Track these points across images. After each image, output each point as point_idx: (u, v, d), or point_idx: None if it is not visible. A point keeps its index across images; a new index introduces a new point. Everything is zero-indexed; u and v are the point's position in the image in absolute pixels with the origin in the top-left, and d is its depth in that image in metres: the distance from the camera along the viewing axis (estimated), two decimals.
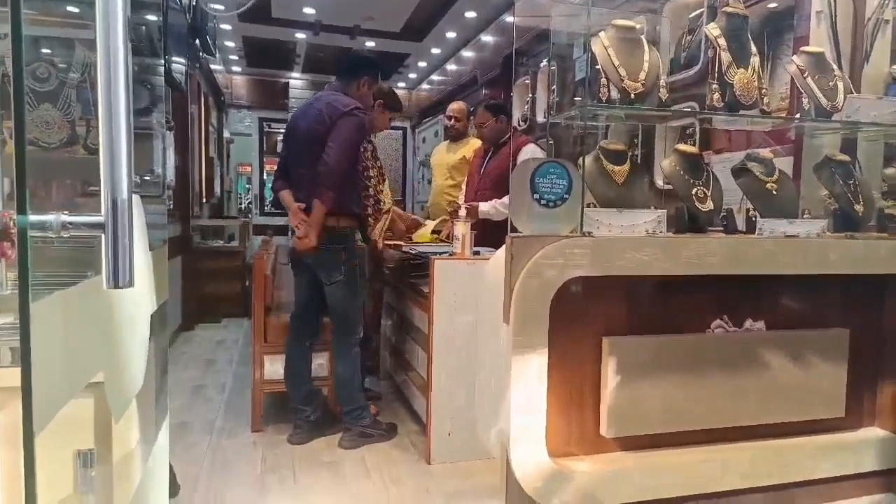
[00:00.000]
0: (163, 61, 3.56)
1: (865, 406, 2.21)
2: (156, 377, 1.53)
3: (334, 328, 2.62)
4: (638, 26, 2.09)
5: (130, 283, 0.68)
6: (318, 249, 2.48)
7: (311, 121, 2.53)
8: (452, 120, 3.71)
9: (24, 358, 0.56)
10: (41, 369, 0.62)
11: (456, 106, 3.79)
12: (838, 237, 2.08)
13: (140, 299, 1.10)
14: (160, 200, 1.57)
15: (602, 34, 2.00)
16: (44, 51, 1.34)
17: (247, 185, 10.49)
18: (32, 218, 0.64)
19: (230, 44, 7.25)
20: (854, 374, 2.12)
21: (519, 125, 5.15)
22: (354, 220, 2.60)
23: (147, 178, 1.83)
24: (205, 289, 5.33)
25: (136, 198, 1.11)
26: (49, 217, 0.65)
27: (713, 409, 1.99)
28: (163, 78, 1.63)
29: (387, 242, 3.23)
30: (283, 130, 9.35)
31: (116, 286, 0.68)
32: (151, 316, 1.28)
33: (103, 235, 0.67)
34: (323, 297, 2.58)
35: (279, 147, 9.92)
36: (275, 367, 2.75)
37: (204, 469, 2.32)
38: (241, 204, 10.50)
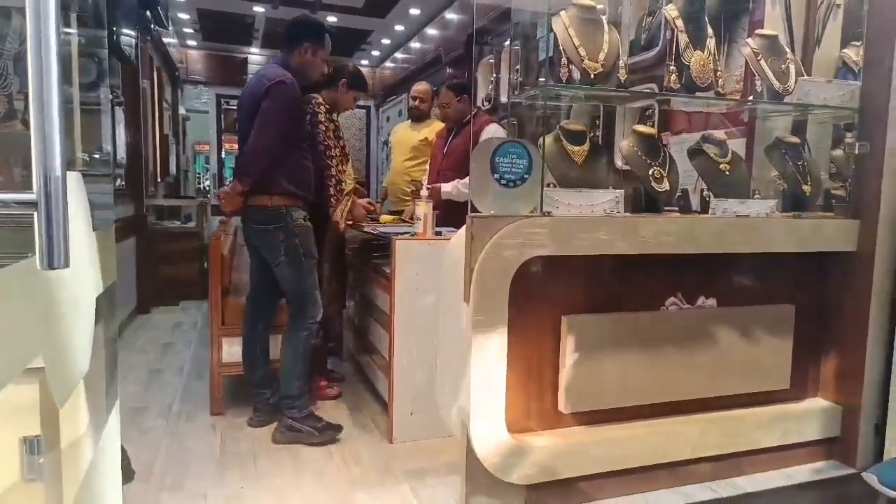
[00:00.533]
0: (109, 33, 3.40)
1: (809, 378, 2.32)
2: (105, 361, 1.48)
3: (288, 310, 2.54)
4: (599, 6, 2.10)
5: (66, 264, 0.65)
6: (253, 228, 2.45)
7: (245, 97, 2.47)
8: (417, 101, 3.67)
9: None
10: None
11: (421, 87, 3.75)
12: (786, 217, 2.15)
13: (83, 281, 1.06)
14: (107, 179, 1.51)
15: (563, 13, 1.99)
16: None
17: (205, 165, 10.19)
18: None
19: (184, 16, 6.96)
20: (799, 348, 2.22)
21: (483, 105, 5.13)
22: (292, 199, 2.45)
23: (96, 155, 1.75)
24: (161, 271, 5.18)
25: (76, 175, 1.06)
26: None
27: (667, 383, 2.05)
28: (107, 50, 1.55)
29: (348, 223, 3.19)
30: None
31: (51, 267, 0.64)
32: (98, 298, 1.23)
33: (36, 214, 0.64)
34: (276, 278, 2.51)
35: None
36: (233, 350, 2.71)
37: (161, 454, 2.28)
38: (199, 183, 10.20)
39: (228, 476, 2.12)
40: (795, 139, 2.27)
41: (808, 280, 2.27)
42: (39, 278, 0.79)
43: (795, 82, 2.17)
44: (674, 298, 2.08)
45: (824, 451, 2.28)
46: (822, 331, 2.29)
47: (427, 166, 3.55)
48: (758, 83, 2.26)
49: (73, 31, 1.64)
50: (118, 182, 4.16)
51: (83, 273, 1.06)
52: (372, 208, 3.17)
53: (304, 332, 2.48)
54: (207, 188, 9.61)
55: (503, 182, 1.78)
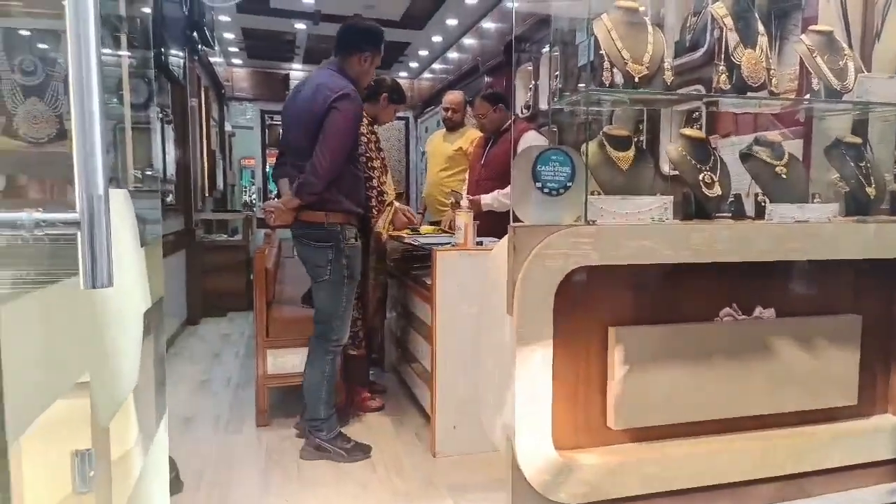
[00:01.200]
0: (158, 54, 3.53)
1: (878, 393, 2.17)
2: (154, 375, 1.50)
3: (314, 328, 2.44)
4: (641, 8, 2.04)
5: (109, 283, 0.65)
6: (304, 243, 2.38)
7: (300, 106, 2.35)
8: (450, 112, 3.65)
9: None
10: (14, 374, 0.59)
11: (452, 97, 3.72)
12: (849, 221, 2.03)
13: (131, 297, 1.07)
14: (155, 195, 1.54)
15: (605, 16, 1.94)
16: (39, 45, 1.31)
17: (251, 179, 10.47)
18: (2, 216, 0.61)
19: (229, 35, 7.20)
20: (866, 361, 2.07)
21: (522, 113, 5.09)
22: (348, 216, 2.38)
23: (148, 172, 1.80)
24: (209, 283, 5.32)
25: (123, 193, 1.08)
26: (21, 215, 0.62)
27: (723, 398, 1.95)
28: (153, 71, 1.59)
29: (389, 234, 3.20)
30: None
31: (94, 286, 0.64)
32: (146, 313, 1.25)
33: (79, 234, 0.64)
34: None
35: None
36: (278, 362, 2.73)
37: (209, 464, 2.31)
38: (246, 196, 10.48)
39: (273, 488, 2.13)
40: (857, 139, 2.14)
41: (875, 288, 2.13)
42: (85, 296, 0.80)
43: (854, 79, 2.05)
44: (728, 309, 1.98)
45: None
46: (892, 342, 2.14)
47: (464, 176, 3.53)
48: (814, 81, 2.15)
49: (123, 53, 1.69)
50: (169, 198, 4.30)
51: (131, 289, 1.08)
52: (412, 218, 3.15)
53: (328, 356, 2.41)
54: (253, 202, 9.87)
55: (546, 190, 1.73)
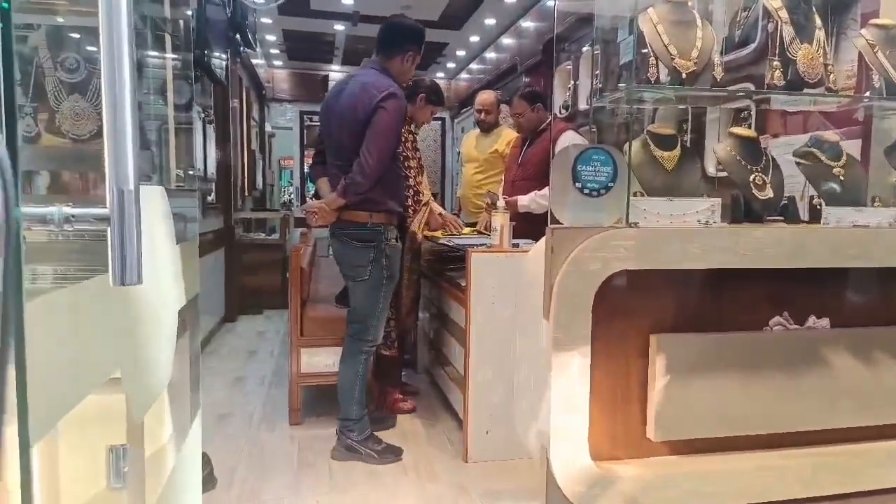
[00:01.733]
0: (201, 55, 3.60)
1: None
2: (189, 372, 1.51)
3: (348, 327, 2.45)
4: (690, 2, 1.96)
5: (138, 280, 0.63)
6: (345, 241, 2.36)
7: (343, 105, 2.32)
8: (482, 113, 3.59)
9: (17, 361, 0.51)
10: (40, 371, 0.58)
11: (484, 97, 3.66)
12: None
13: (165, 295, 1.07)
14: (192, 193, 1.55)
15: (651, 10, 1.87)
16: (82, 44, 1.33)
17: (289, 180, 10.64)
18: (32, 210, 0.60)
19: (271, 37, 7.32)
20: None
21: (560, 112, 5.00)
22: (390, 217, 2.38)
23: (190, 172, 1.82)
24: (247, 281, 5.41)
25: (160, 190, 1.08)
26: (51, 209, 0.61)
27: (772, 412, 1.85)
28: (194, 73, 1.60)
29: (424, 234, 3.18)
30: None
31: (123, 283, 0.63)
32: (181, 311, 1.25)
33: (109, 229, 0.62)
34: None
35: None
36: (312, 361, 2.74)
37: (242, 462, 2.33)
38: (283, 197, 10.66)
39: (304, 488, 2.12)
40: None
41: None
42: (118, 293, 0.79)
43: None
44: (779, 318, 1.88)
45: None
46: None
47: (499, 178, 3.48)
48: (874, 78, 2.03)
49: (168, 55, 1.71)
50: (209, 197, 4.38)
51: (165, 287, 1.07)
52: (453, 225, 3.08)
53: (362, 356, 2.40)
54: (291, 201, 10.03)
55: (586, 191, 1.67)
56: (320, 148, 2.58)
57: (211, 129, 4.25)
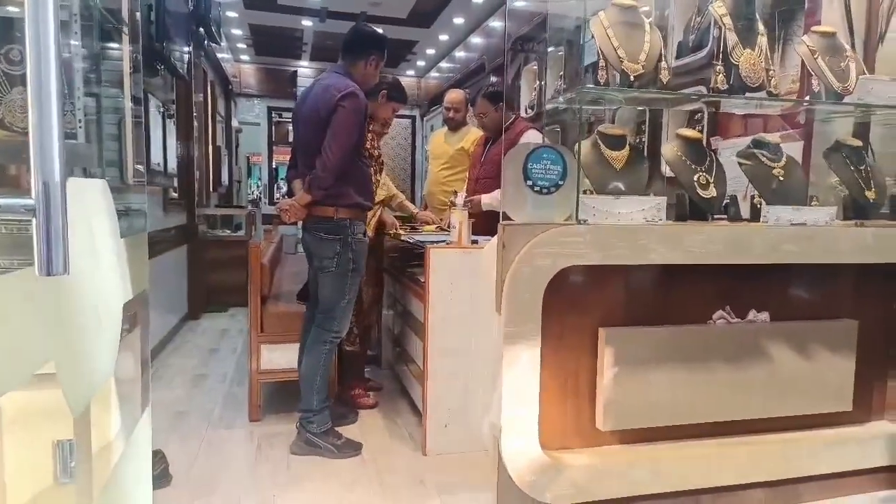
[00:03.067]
0: (161, 48, 3.54)
1: (874, 399, 2.14)
2: (138, 366, 1.50)
3: (315, 318, 2.50)
4: (645, 8, 2.02)
5: (64, 270, 0.64)
6: (314, 234, 2.43)
7: (309, 107, 2.43)
8: (451, 111, 3.62)
9: None
10: None
11: (453, 96, 3.69)
12: (847, 225, 2.00)
13: (107, 288, 1.07)
14: (141, 188, 1.54)
15: (602, 14, 1.92)
16: (17, 34, 1.31)
17: (259, 178, 10.50)
18: None
19: (237, 32, 7.22)
20: (863, 367, 2.04)
21: (526, 112, 5.06)
22: (357, 212, 2.45)
23: (139, 166, 1.80)
24: (211, 278, 5.34)
25: (99, 182, 1.08)
26: None
27: (715, 402, 1.93)
28: (140, 65, 1.59)
29: (387, 232, 3.20)
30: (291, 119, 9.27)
31: (49, 273, 0.64)
32: (127, 305, 1.25)
33: (34, 220, 0.63)
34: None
35: (290, 136, 9.93)
36: (272, 357, 2.74)
37: (199, 459, 2.31)
38: (251, 194, 10.52)
39: (261, 483, 2.12)
40: (857, 142, 2.11)
41: (873, 293, 2.10)
42: (50, 285, 0.80)
43: (856, 81, 2.02)
44: (722, 312, 1.96)
45: (890, 479, 2.09)
46: (890, 348, 2.11)
47: (466, 175, 3.52)
48: (815, 83, 2.12)
49: (112, 45, 1.70)
50: (170, 192, 4.31)
51: (106, 280, 1.07)
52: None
53: (325, 346, 2.45)
54: (259, 198, 9.90)
55: (536, 189, 1.72)
56: (294, 151, 2.62)
57: (172, 124, 4.18)
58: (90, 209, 0.96)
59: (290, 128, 2.66)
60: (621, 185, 1.86)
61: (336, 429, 2.46)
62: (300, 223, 2.57)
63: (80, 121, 1.40)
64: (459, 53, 7.34)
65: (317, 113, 2.36)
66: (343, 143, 2.31)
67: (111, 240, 1.09)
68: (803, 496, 2.03)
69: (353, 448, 2.40)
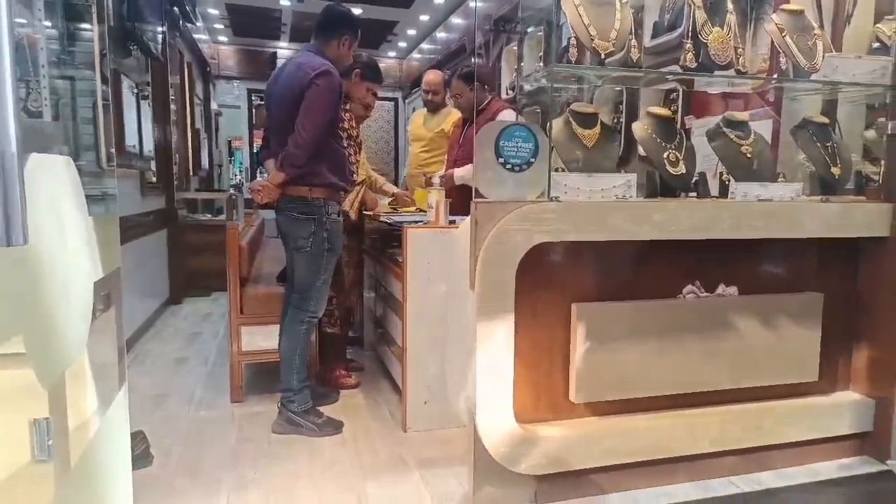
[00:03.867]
0: (133, 28, 3.47)
1: (840, 370, 2.22)
2: (113, 344, 1.51)
3: (291, 298, 2.50)
4: None
5: (24, 241, 0.65)
6: (287, 215, 2.42)
7: (281, 85, 2.41)
8: (430, 94, 3.61)
9: None
10: None
11: (430, 77, 3.68)
12: (812, 201, 2.05)
13: (76, 266, 1.08)
14: (110, 171, 1.53)
15: None
16: None
17: (241, 162, 10.37)
18: None
19: (214, 12, 7.08)
20: (828, 338, 2.11)
21: (507, 93, 5.06)
22: (331, 192, 2.44)
23: (112, 150, 1.79)
24: (192, 262, 5.30)
25: (63, 159, 1.08)
26: None
27: (685, 374, 1.99)
28: (107, 45, 1.57)
29: (366, 213, 3.20)
30: None
31: (8, 244, 0.65)
32: (98, 283, 1.25)
33: None
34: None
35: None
36: (253, 339, 2.75)
37: (179, 439, 2.33)
38: (233, 178, 10.40)
39: (242, 462, 2.15)
40: (824, 119, 2.16)
41: (838, 267, 2.16)
42: (14, 260, 0.80)
43: (823, 59, 2.05)
44: (691, 286, 2.01)
45: (855, 446, 2.17)
46: (854, 320, 2.18)
47: (445, 157, 3.52)
48: (783, 61, 2.16)
49: (87, 25, 1.67)
50: (147, 175, 4.26)
51: (75, 258, 1.08)
52: (399, 195, 3.18)
53: (302, 326, 2.46)
54: (241, 182, 9.80)
55: (508, 166, 1.74)
56: (267, 131, 2.59)
57: (147, 106, 4.12)
58: (53, 184, 0.97)
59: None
60: (592, 163, 1.88)
61: (317, 408, 2.49)
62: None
63: (46, 99, 1.38)
64: (440, 34, 7.28)
65: (290, 90, 2.34)
66: (317, 120, 2.29)
67: (77, 217, 1.09)
68: (773, 463, 2.10)
69: (334, 426, 2.43)
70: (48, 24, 1.53)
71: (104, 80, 1.62)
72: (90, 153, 1.72)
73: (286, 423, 2.41)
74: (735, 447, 2.05)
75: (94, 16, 1.67)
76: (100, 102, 1.71)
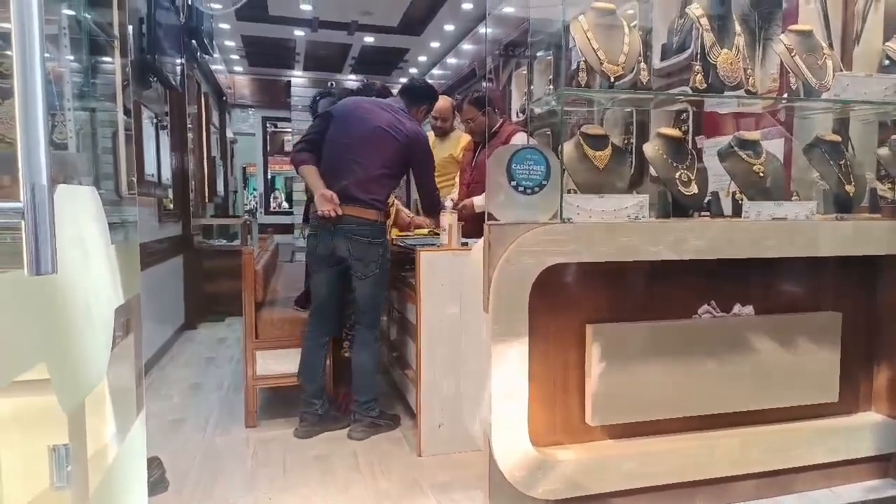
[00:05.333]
0: (153, 61, 3.58)
1: (861, 390, 2.18)
2: (132, 370, 1.53)
3: (359, 319, 2.66)
4: (626, 10, 2.06)
5: (52, 270, 0.68)
6: (357, 240, 2.53)
7: (386, 124, 2.60)
8: (438, 120, 3.66)
9: None
10: None
11: (439, 104, 3.71)
12: (827, 219, 2.04)
13: (98, 292, 1.10)
14: (132, 199, 1.57)
15: (581, 18, 1.97)
16: (6, 52, 1.34)
17: (254, 188, 10.53)
18: None
19: (230, 43, 7.27)
20: (848, 358, 2.08)
21: (518, 116, 5.11)
22: (387, 216, 2.72)
23: (133, 178, 1.84)
24: (207, 288, 5.35)
25: (88, 189, 1.11)
26: None
27: (702, 395, 1.96)
28: (129, 78, 1.63)
29: (399, 234, 3.25)
30: (287, 129, 9.28)
31: (38, 273, 0.67)
32: (119, 310, 1.28)
33: (23, 222, 0.67)
34: (345, 292, 2.66)
35: (285, 146, 9.95)
36: (267, 364, 2.76)
37: (195, 465, 2.33)
38: (247, 204, 10.54)
39: (257, 487, 2.14)
40: (836, 137, 2.16)
41: (855, 285, 2.14)
42: (41, 286, 0.83)
43: (833, 78, 2.06)
44: (707, 306, 1.99)
45: (879, 468, 2.12)
46: (873, 339, 2.15)
47: (455, 180, 3.56)
48: (793, 80, 2.17)
49: (110, 59, 1.73)
50: (165, 203, 4.34)
51: (97, 283, 1.10)
52: (416, 220, 3.24)
53: (376, 342, 2.68)
54: (255, 208, 9.92)
55: (520, 189, 1.75)
56: (309, 137, 2.67)
57: (165, 135, 4.22)
58: (79, 215, 0.99)
59: (314, 120, 2.79)
60: (604, 184, 1.89)
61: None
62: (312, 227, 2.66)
63: (70, 132, 1.43)
64: (451, 60, 7.40)
65: (391, 135, 2.59)
66: (432, 171, 2.80)
67: (101, 245, 1.12)
68: (795, 486, 2.06)
69: (398, 421, 2.75)
70: (71, 57, 1.59)
71: (126, 112, 1.67)
72: (109, 181, 1.76)
73: (367, 429, 2.62)
74: (757, 470, 2.01)
75: (117, 50, 1.73)
76: (122, 133, 1.77)
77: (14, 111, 1.02)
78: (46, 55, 0.73)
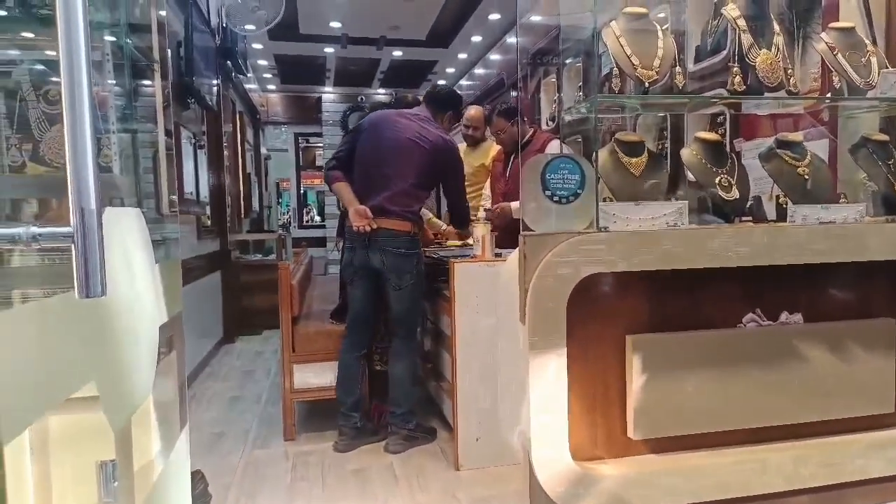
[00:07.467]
0: (191, 83, 3.68)
1: None
2: (175, 386, 1.56)
3: (397, 331, 2.67)
4: (658, 13, 2.03)
5: (102, 293, 0.69)
6: (393, 252, 2.55)
7: (412, 134, 2.64)
8: (470, 129, 3.66)
9: None
10: (8, 379, 0.63)
11: (472, 113, 3.73)
12: (878, 221, 1.95)
13: (143, 311, 1.13)
14: (174, 217, 1.61)
15: (613, 23, 1.94)
16: (53, 78, 1.40)
17: (288, 203, 10.73)
18: (1, 231, 0.66)
19: (263, 62, 7.45)
20: None
21: (547, 125, 5.08)
22: (420, 227, 2.75)
23: (172, 196, 1.89)
24: (245, 302, 5.46)
25: (134, 211, 1.14)
26: (18, 230, 0.66)
27: (750, 407, 1.89)
28: (170, 101, 1.67)
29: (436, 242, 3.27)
30: (319, 144, 9.45)
31: (87, 296, 0.68)
32: (163, 327, 1.30)
33: (73, 246, 0.68)
34: (381, 304, 2.68)
35: (317, 161, 10.14)
36: (304, 377, 2.78)
37: (236, 478, 2.36)
38: (281, 219, 10.75)
39: (297, 500, 2.16)
40: (884, 136, 2.07)
41: None
42: (89, 308, 0.85)
43: (878, 75, 1.98)
44: (752, 315, 1.93)
45: None
46: None
47: (485, 190, 3.55)
48: (835, 79, 2.09)
49: (149, 82, 1.79)
50: (203, 220, 4.45)
51: (143, 303, 1.13)
52: (446, 232, 3.26)
53: (414, 351, 2.70)
54: (288, 222, 10.11)
55: (555, 199, 1.73)
56: (340, 154, 2.72)
57: (203, 154, 4.33)
58: (126, 236, 1.02)
59: (345, 136, 2.89)
60: (641, 191, 1.86)
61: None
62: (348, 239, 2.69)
63: (115, 154, 1.47)
64: (479, 70, 7.42)
65: (420, 145, 2.63)
66: (462, 181, 2.89)
67: (146, 265, 1.14)
68: (851, 501, 1.96)
69: (434, 433, 2.75)
70: (113, 82, 1.65)
71: (167, 133, 1.72)
72: (151, 200, 1.81)
73: (404, 441, 2.61)
74: (811, 485, 1.92)
75: (158, 73, 1.78)
76: (163, 152, 1.82)
77: (62, 136, 1.06)
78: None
